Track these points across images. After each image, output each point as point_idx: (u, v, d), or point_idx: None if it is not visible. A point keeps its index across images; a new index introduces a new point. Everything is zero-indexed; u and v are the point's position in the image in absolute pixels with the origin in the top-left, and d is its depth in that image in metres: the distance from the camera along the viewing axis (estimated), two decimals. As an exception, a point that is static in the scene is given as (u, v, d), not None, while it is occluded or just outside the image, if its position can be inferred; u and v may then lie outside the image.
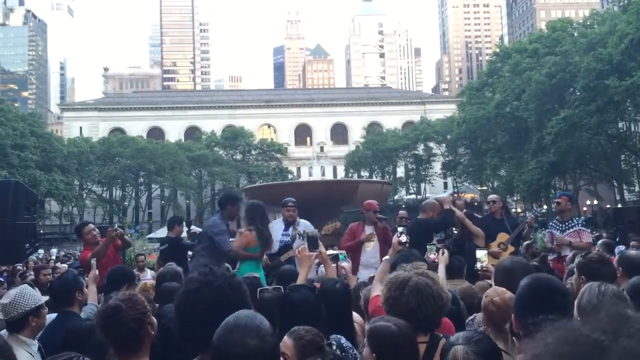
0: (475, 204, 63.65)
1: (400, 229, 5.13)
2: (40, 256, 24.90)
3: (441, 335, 3.03)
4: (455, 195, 52.70)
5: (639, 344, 0.87)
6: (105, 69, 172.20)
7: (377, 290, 3.89)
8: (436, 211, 8.45)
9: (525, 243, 10.26)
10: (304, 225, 8.41)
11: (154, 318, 2.78)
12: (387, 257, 4.70)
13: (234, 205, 7.64)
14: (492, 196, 9.65)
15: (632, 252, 5.37)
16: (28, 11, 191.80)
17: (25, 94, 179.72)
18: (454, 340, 2.54)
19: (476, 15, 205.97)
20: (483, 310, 3.44)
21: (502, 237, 8.32)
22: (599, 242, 9.82)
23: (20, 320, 3.69)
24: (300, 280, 4.33)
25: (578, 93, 43.35)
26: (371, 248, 8.38)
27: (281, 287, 3.87)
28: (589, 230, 8.72)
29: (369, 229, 8.48)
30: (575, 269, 4.21)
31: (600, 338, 0.90)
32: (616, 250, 11.38)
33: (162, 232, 34.79)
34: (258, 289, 3.99)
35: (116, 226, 7.64)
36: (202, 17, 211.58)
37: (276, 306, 3.30)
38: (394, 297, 3.04)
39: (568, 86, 45.76)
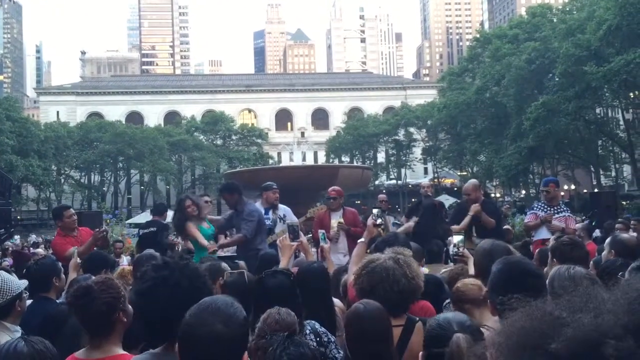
0: (455, 189, 64.27)
1: (375, 211, 5.14)
2: (17, 242, 24.60)
3: (417, 319, 3.06)
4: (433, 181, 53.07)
5: (594, 319, 0.90)
6: (83, 53, 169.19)
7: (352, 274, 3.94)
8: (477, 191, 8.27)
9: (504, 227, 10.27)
10: (284, 210, 8.46)
11: (129, 306, 2.74)
12: (362, 239, 4.70)
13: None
14: (468, 184, 9.61)
15: (625, 235, 5.42)
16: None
17: (0, 77, 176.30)
18: (445, 325, 2.39)
19: (457, 1, 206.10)
20: (454, 304, 3.49)
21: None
22: (580, 225, 9.90)
23: (6, 306, 3.65)
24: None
25: (557, 79, 43.71)
26: (338, 234, 8.44)
27: (244, 271, 3.88)
28: (574, 217, 8.72)
29: (335, 216, 8.54)
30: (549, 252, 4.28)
31: (562, 315, 0.94)
32: (593, 234, 11.58)
33: (142, 217, 34.55)
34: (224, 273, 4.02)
35: (104, 227, 7.55)
36: (181, 0, 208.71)
37: (242, 290, 3.32)
38: (355, 276, 3.08)
39: (547, 72, 46.13)
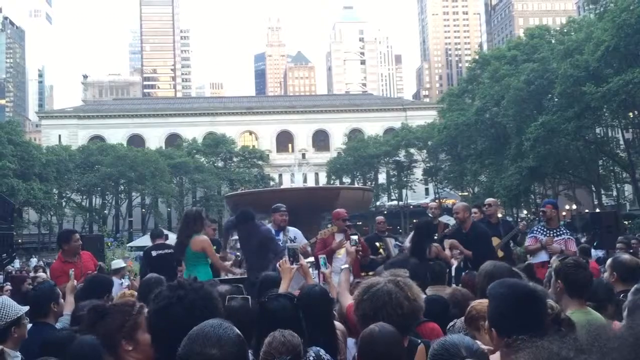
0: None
1: (354, 237, 5.40)
2: (18, 266, 24.49)
3: (419, 341, 3.03)
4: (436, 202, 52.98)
5: (601, 358, 0.90)
6: (85, 76, 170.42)
7: (349, 299, 3.92)
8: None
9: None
10: (294, 232, 8.44)
11: (144, 336, 2.64)
12: (346, 265, 4.78)
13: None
14: (488, 199, 9.65)
15: (626, 256, 5.36)
16: (5, 18, 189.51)
17: (2, 101, 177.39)
18: (452, 350, 2.29)
19: (455, 23, 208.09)
20: (468, 324, 3.45)
21: (494, 241, 8.28)
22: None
23: (2, 331, 3.62)
24: (281, 292, 4.32)
25: (556, 99, 43.89)
26: (342, 255, 8.38)
27: (249, 296, 3.84)
28: (574, 239, 8.67)
29: (339, 237, 8.49)
30: (552, 274, 4.25)
31: (569, 355, 0.95)
32: (593, 254, 11.55)
33: (143, 240, 34.47)
34: (227, 297, 3.96)
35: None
36: (183, 23, 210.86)
37: (246, 315, 3.29)
38: (357, 301, 3.05)
39: (546, 92, 46.33)
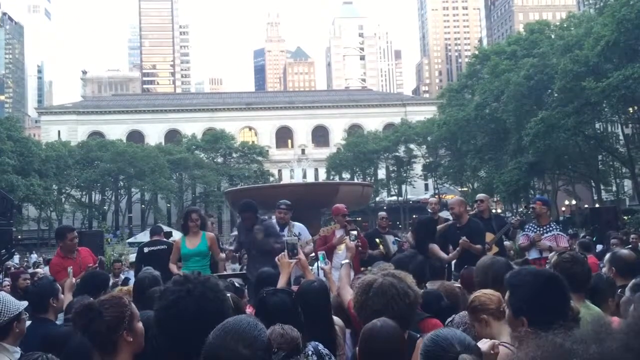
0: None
1: (353, 232, 5.46)
2: (17, 262, 24.51)
3: (418, 335, 3.04)
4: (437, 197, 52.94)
5: (599, 347, 0.95)
6: (84, 72, 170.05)
7: (349, 294, 3.93)
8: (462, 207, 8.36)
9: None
10: (299, 227, 8.43)
11: (139, 325, 2.62)
12: (346, 260, 4.79)
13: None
14: (479, 195, 9.69)
15: (624, 251, 5.40)
16: (4, 14, 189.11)
17: (1, 97, 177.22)
18: (445, 345, 2.24)
19: (455, 18, 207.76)
20: (470, 315, 3.43)
21: (488, 237, 8.33)
22: (577, 242, 9.88)
23: (4, 327, 3.63)
24: (279, 287, 4.33)
25: (555, 94, 43.81)
26: (342, 251, 8.39)
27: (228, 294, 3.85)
28: (565, 236, 8.80)
29: (339, 233, 8.49)
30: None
31: (572, 347, 0.98)
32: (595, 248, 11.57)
33: (143, 236, 34.48)
34: None
35: (98, 260, 7.59)
36: (182, 19, 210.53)
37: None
38: (360, 301, 3.06)
39: (546, 88, 46.26)
